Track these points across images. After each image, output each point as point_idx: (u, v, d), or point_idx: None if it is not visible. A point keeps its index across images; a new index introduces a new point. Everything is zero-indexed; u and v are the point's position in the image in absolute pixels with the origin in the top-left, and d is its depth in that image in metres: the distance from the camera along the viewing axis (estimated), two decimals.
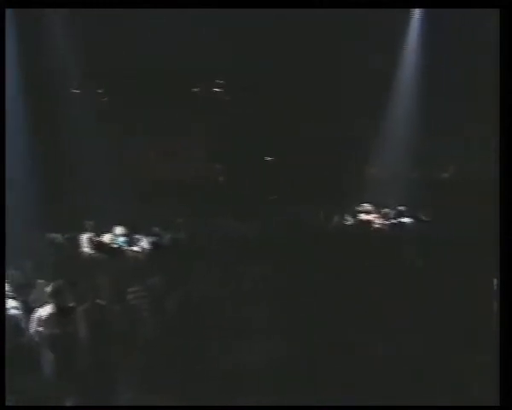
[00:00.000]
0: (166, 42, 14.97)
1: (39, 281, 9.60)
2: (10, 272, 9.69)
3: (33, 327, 8.49)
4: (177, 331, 8.69)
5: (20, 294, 9.21)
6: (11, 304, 8.88)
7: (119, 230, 12.22)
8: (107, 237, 12.11)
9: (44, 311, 8.51)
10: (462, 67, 14.21)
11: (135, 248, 11.67)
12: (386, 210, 14.15)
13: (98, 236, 12.15)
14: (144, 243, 11.64)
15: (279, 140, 16.56)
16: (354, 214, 14.15)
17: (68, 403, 7.94)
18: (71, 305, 8.53)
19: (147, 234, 12.00)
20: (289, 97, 16.04)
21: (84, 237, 12.07)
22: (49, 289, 8.61)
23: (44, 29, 14.22)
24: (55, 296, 8.53)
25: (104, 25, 14.05)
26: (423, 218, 13.63)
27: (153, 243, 11.31)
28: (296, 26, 14.76)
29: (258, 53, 15.69)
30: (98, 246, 11.68)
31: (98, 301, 8.73)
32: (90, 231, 12.28)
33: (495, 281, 8.25)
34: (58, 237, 12.21)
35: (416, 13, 15.22)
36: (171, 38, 14.89)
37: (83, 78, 15.55)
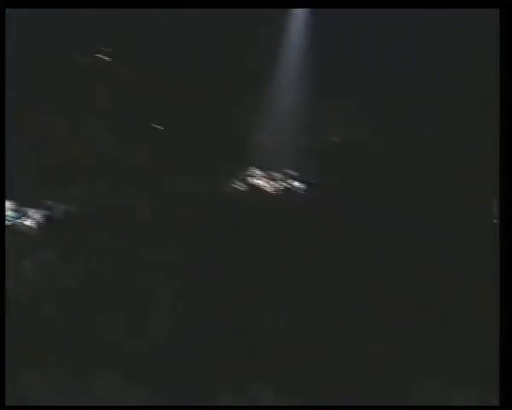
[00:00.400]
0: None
1: None
2: None
3: None
4: (72, 305, 8.59)
5: None
6: None
7: (7, 204, 11.82)
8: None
9: None
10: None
11: (26, 223, 11.37)
12: (275, 174, 14.35)
13: None
14: (36, 216, 11.35)
15: (168, 110, 16.45)
16: (243, 180, 14.25)
17: None
18: None
19: (39, 208, 11.68)
20: (178, 68, 15.97)
21: None
22: None
23: None
24: None
25: None
26: (311, 181, 13.93)
27: (45, 217, 11.05)
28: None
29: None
30: None
31: None
32: None
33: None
34: None
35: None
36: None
37: None
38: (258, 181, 14.17)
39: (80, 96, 15.95)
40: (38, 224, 11.19)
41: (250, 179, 14.22)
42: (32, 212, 11.58)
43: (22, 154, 13.16)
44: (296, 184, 13.97)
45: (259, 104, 15.65)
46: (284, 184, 14.10)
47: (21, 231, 11.10)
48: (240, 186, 14.19)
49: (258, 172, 14.32)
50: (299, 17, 15.51)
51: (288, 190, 13.84)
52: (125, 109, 16.14)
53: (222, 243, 10.08)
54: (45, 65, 14.85)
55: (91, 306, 8.75)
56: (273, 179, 14.22)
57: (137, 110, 16.15)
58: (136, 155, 15.77)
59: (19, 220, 11.44)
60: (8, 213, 11.67)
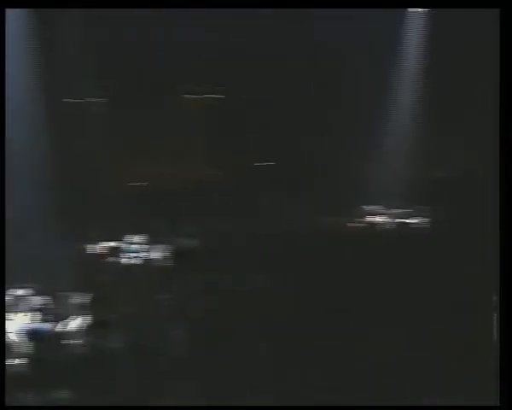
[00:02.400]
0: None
1: (63, 293, 9.75)
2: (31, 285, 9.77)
3: (63, 339, 8.61)
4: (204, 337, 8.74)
5: (47, 306, 9.28)
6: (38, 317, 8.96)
7: (136, 238, 12.27)
8: (121, 246, 12.11)
9: (74, 323, 8.65)
10: None
11: (151, 256, 11.73)
12: (393, 210, 14.11)
13: (111, 245, 12.13)
14: (160, 251, 11.69)
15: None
16: (363, 217, 14.02)
17: None
18: (100, 317, 8.66)
19: (161, 242, 12.04)
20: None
21: (102, 247, 12.09)
22: (76, 301, 8.76)
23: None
24: (85, 308, 8.68)
25: None
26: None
27: (170, 251, 11.35)
28: None
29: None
30: (113, 255, 11.71)
31: (125, 311, 8.90)
32: (101, 240, 12.29)
33: None
34: (75, 248, 12.26)
35: None
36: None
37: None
38: (378, 218, 13.86)
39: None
40: (162, 258, 11.47)
41: (370, 217, 13.93)
42: (155, 246, 11.96)
43: None
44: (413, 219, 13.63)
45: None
46: (401, 219, 13.80)
47: (148, 265, 11.43)
48: (361, 223, 13.91)
49: (375, 208, 14.03)
50: None
51: (406, 226, 13.52)
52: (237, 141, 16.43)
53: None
54: None
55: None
56: (390, 215, 13.87)
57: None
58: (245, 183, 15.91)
59: (142, 255, 11.84)
60: (132, 247, 12.11)
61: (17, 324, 8.82)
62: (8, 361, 8.21)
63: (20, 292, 9.50)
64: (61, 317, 9.06)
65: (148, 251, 11.88)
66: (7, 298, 9.27)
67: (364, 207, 14.39)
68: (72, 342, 8.59)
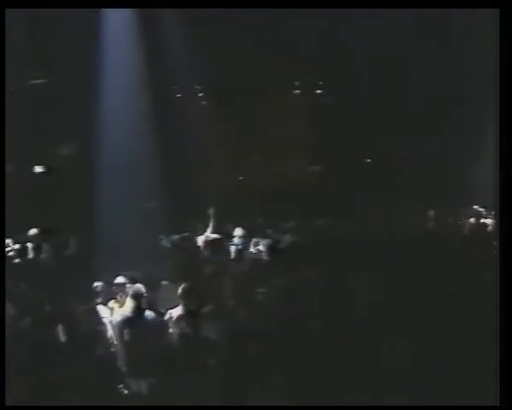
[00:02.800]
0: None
1: (164, 283, 9.94)
2: (134, 274, 9.97)
3: (162, 328, 8.76)
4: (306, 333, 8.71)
5: (147, 295, 9.41)
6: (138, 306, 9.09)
7: (238, 231, 12.37)
8: (224, 238, 12.22)
9: (175, 312, 8.77)
10: None
11: (252, 251, 11.78)
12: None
13: (216, 237, 12.26)
14: (261, 245, 11.71)
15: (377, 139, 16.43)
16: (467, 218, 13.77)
17: None
18: (200, 307, 8.76)
19: (262, 236, 12.09)
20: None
21: (203, 239, 12.23)
22: (178, 290, 8.88)
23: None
24: (184, 298, 8.79)
25: None
26: None
27: (269, 246, 11.37)
28: None
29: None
30: (217, 247, 11.82)
31: (226, 302, 8.98)
32: (207, 232, 12.48)
33: None
34: (178, 238, 12.50)
35: None
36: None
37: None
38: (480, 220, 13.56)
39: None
40: (263, 252, 11.50)
41: (475, 219, 13.65)
42: (257, 241, 11.99)
43: None
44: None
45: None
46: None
47: (249, 259, 11.48)
48: (464, 224, 13.66)
49: (482, 210, 13.76)
50: None
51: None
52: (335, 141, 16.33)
53: None
54: None
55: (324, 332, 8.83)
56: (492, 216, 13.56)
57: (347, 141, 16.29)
58: (345, 186, 15.82)
59: (245, 249, 11.91)
60: (235, 240, 12.22)
61: (116, 312, 9.04)
62: (108, 350, 8.63)
63: (120, 280, 9.68)
64: (161, 306, 9.19)
65: (248, 245, 11.97)
66: (106, 286, 9.63)
67: (466, 207, 14.18)
68: (170, 331, 8.72)
